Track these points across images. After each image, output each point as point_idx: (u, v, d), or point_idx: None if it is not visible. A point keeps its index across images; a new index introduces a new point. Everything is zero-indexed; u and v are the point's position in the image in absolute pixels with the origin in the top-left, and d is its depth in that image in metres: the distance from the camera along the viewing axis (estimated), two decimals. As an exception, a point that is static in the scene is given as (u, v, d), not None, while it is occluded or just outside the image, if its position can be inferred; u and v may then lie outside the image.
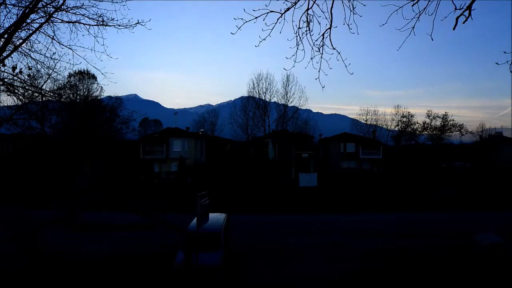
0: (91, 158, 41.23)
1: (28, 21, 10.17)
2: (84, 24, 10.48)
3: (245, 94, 69.13)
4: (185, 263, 12.44)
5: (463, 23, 6.37)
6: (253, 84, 66.80)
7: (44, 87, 12.44)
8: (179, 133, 54.82)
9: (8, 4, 9.87)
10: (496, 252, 14.77)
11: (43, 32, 10.46)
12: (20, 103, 12.46)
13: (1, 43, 9.84)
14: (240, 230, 19.38)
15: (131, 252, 16.81)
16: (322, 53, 7.21)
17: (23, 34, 10.40)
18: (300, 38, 7.06)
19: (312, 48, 7.22)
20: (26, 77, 10.63)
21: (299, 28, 7.06)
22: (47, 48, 10.51)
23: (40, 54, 10.60)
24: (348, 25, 6.96)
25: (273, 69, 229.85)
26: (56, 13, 10.29)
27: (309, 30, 7.09)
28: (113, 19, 10.57)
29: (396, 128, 63.47)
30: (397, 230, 22.41)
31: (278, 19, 6.88)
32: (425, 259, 16.09)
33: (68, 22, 10.46)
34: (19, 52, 10.51)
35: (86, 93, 50.23)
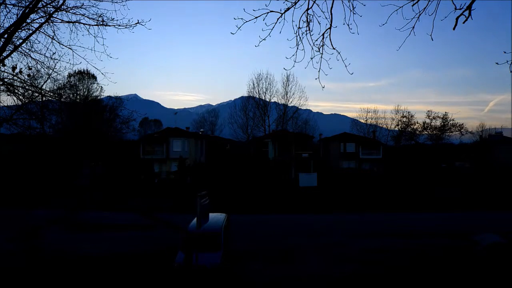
0: (91, 158, 41.24)
1: (28, 21, 10.18)
2: (84, 24, 10.50)
3: (245, 94, 69.20)
4: (185, 263, 12.44)
5: (463, 23, 6.38)
6: (253, 84, 66.86)
7: (44, 87, 12.49)
8: (179, 133, 54.80)
9: (8, 4, 9.88)
10: (496, 252, 14.76)
11: (43, 32, 10.47)
12: (20, 103, 12.47)
13: (1, 43, 9.84)
14: (240, 230, 19.37)
15: (131, 252, 16.80)
16: (322, 53, 7.22)
17: (23, 34, 10.41)
18: (300, 38, 7.06)
19: (312, 48, 7.22)
20: (26, 77, 10.64)
21: (299, 28, 7.07)
22: (47, 48, 10.53)
23: (40, 54, 10.62)
24: (348, 25, 6.96)
25: (273, 69, 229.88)
26: (56, 13, 10.31)
27: (309, 30, 7.10)
28: (113, 19, 10.59)
29: (396, 128, 63.50)
30: (397, 230, 22.39)
31: (278, 19, 6.89)
32: (425, 259, 16.09)
33: (68, 22, 10.46)
34: (19, 52, 10.53)
35: (86, 93, 50.30)
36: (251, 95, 66.39)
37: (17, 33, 10.13)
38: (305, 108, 69.96)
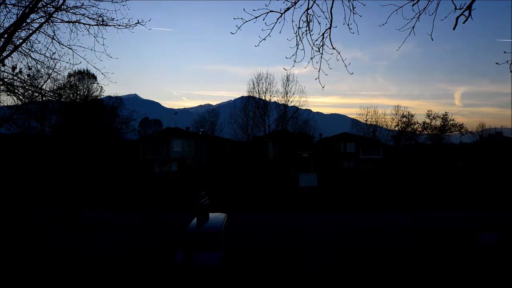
0: (91, 158, 41.21)
1: (28, 21, 10.19)
2: (84, 24, 10.51)
3: (245, 94, 69.20)
4: (185, 263, 12.44)
5: (463, 23, 6.39)
6: (253, 84, 66.76)
7: (44, 87, 12.48)
8: (179, 133, 54.77)
9: (8, 4, 9.89)
10: (496, 252, 14.76)
11: (43, 32, 10.48)
12: (20, 103, 12.48)
13: (1, 43, 9.84)
14: (240, 230, 19.37)
15: (131, 251, 16.81)
16: (322, 53, 7.22)
17: (23, 34, 10.42)
18: (300, 38, 7.07)
19: (312, 48, 7.23)
20: (26, 77, 10.65)
21: (299, 28, 7.07)
22: (47, 48, 10.54)
23: (40, 54, 10.62)
24: (348, 25, 6.97)
25: (273, 69, 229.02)
26: (56, 13, 10.31)
27: (309, 30, 7.11)
28: (113, 19, 10.58)
29: (396, 128, 63.48)
30: (397, 230, 22.39)
31: (278, 19, 6.89)
32: (425, 259, 16.08)
33: (68, 22, 10.47)
34: (19, 52, 10.53)
35: (86, 93, 50.22)
36: (251, 95, 66.42)
37: (17, 33, 10.14)
38: (305, 108, 70.03)
